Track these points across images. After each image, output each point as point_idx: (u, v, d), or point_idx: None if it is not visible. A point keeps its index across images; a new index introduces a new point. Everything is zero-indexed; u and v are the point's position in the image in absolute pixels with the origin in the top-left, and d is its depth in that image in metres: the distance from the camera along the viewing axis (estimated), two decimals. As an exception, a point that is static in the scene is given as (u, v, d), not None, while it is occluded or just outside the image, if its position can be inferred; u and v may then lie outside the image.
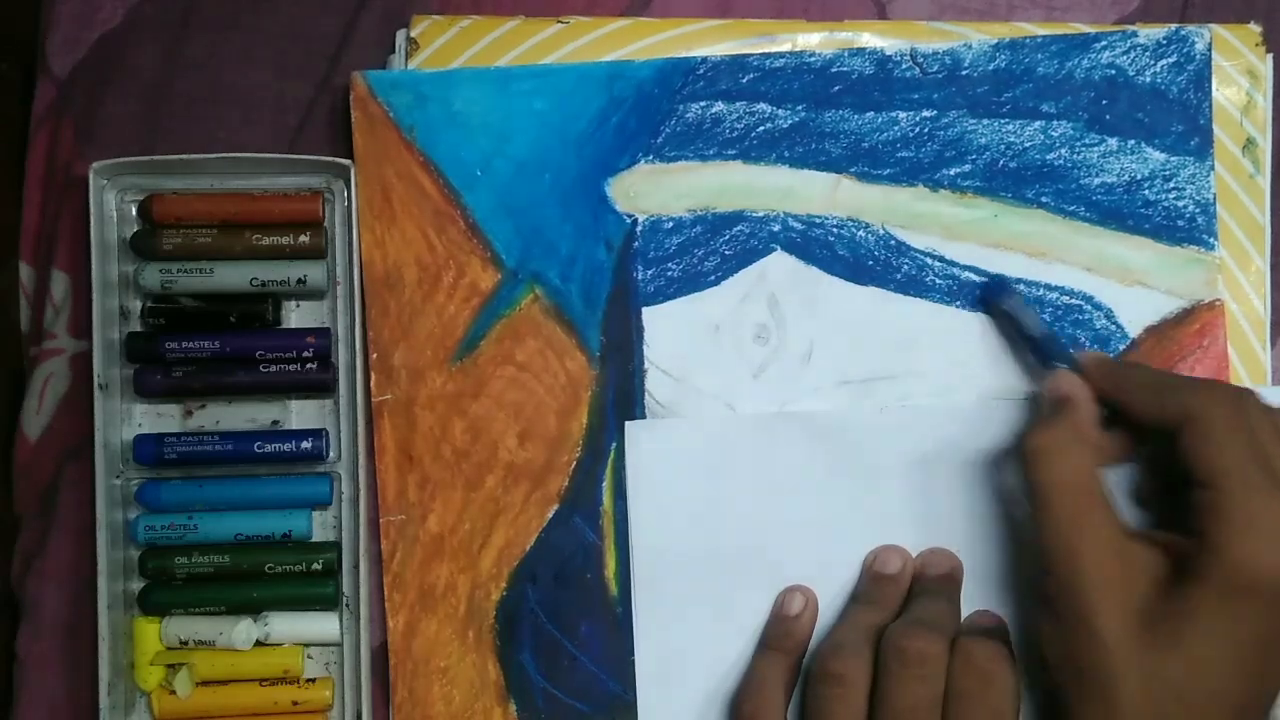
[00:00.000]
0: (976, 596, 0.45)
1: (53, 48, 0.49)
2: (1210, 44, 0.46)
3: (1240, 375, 0.46)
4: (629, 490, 0.46)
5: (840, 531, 0.45)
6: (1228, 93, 0.46)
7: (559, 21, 0.47)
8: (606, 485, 0.46)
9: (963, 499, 0.45)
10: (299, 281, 0.46)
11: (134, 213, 0.46)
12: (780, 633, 0.44)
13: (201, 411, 0.47)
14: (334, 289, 0.46)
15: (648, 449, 0.45)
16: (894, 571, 0.44)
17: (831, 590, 0.45)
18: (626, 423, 0.46)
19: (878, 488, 0.45)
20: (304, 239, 0.46)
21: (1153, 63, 0.46)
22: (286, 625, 0.46)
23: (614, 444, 0.46)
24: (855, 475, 0.45)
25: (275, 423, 0.47)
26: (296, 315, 0.47)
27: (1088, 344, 0.46)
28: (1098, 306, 0.46)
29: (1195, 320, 0.46)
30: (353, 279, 0.46)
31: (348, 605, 0.46)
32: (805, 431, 0.45)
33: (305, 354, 0.46)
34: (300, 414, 0.47)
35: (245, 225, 0.46)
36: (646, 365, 0.46)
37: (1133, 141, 0.46)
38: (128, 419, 0.46)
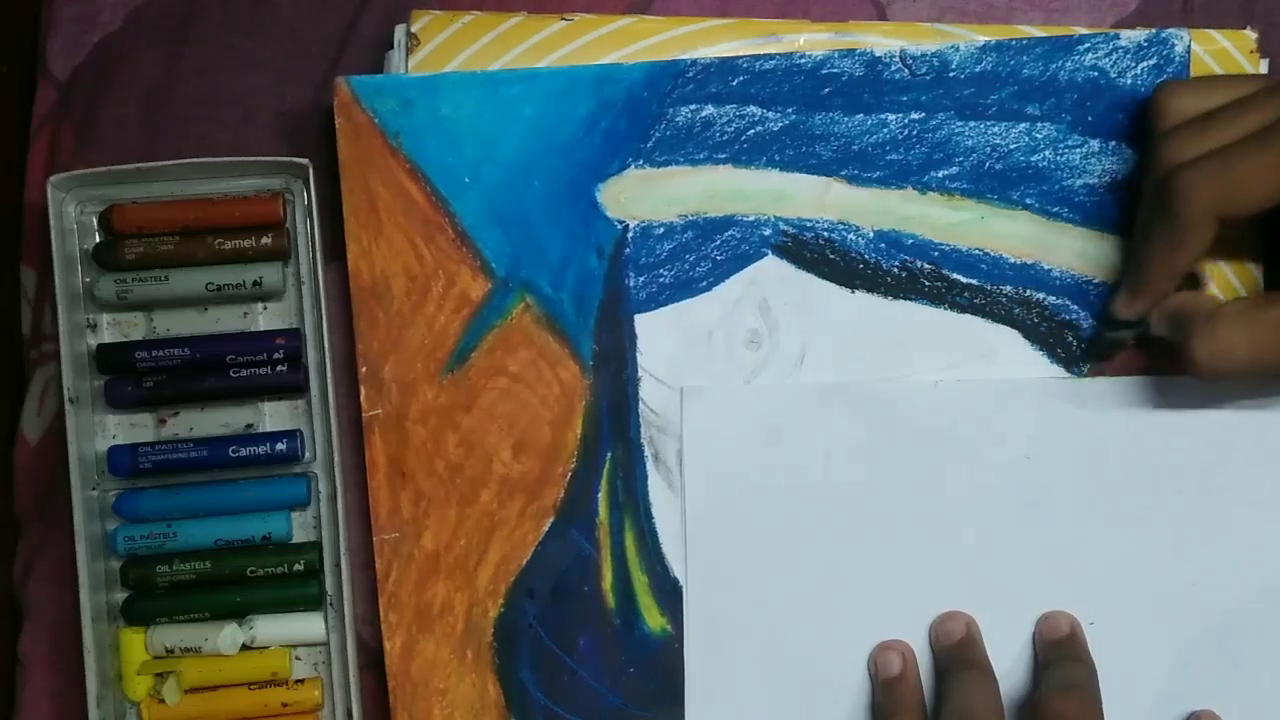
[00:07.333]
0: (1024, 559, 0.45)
1: (53, 51, 0.49)
2: (1189, 46, 0.46)
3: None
4: (685, 456, 0.45)
5: (892, 503, 0.45)
6: (1219, 97, 0.46)
7: (562, 18, 0.46)
8: (602, 496, 0.46)
9: (1013, 475, 0.45)
10: (255, 284, 0.45)
11: (95, 224, 0.46)
12: (891, 704, 0.44)
13: (175, 419, 0.46)
14: (300, 288, 0.46)
15: (704, 414, 0.45)
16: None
17: (884, 560, 0.45)
18: (684, 387, 0.45)
19: (926, 460, 0.45)
20: (266, 240, 0.45)
21: (1134, 65, 0.46)
22: (272, 627, 0.46)
23: (609, 454, 0.45)
24: (905, 447, 0.45)
25: (249, 426, 0.46)
26: (265, 318, 0.47)
27: (1074, 344, 0.46)
28: (1085, 306, 0.46)
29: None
30: (317, 277, 0.45)
31: (331, 604, 0.46)
32: (859, 401, 0.45)
33: (275, 355, 0.46)
34: (274, 416, 0.47)
35: (207, 230, 0.45)
36: (640, 373, 0.46)
37: (1114, 143, 0.46)
38: (101, 430, 0.46)
